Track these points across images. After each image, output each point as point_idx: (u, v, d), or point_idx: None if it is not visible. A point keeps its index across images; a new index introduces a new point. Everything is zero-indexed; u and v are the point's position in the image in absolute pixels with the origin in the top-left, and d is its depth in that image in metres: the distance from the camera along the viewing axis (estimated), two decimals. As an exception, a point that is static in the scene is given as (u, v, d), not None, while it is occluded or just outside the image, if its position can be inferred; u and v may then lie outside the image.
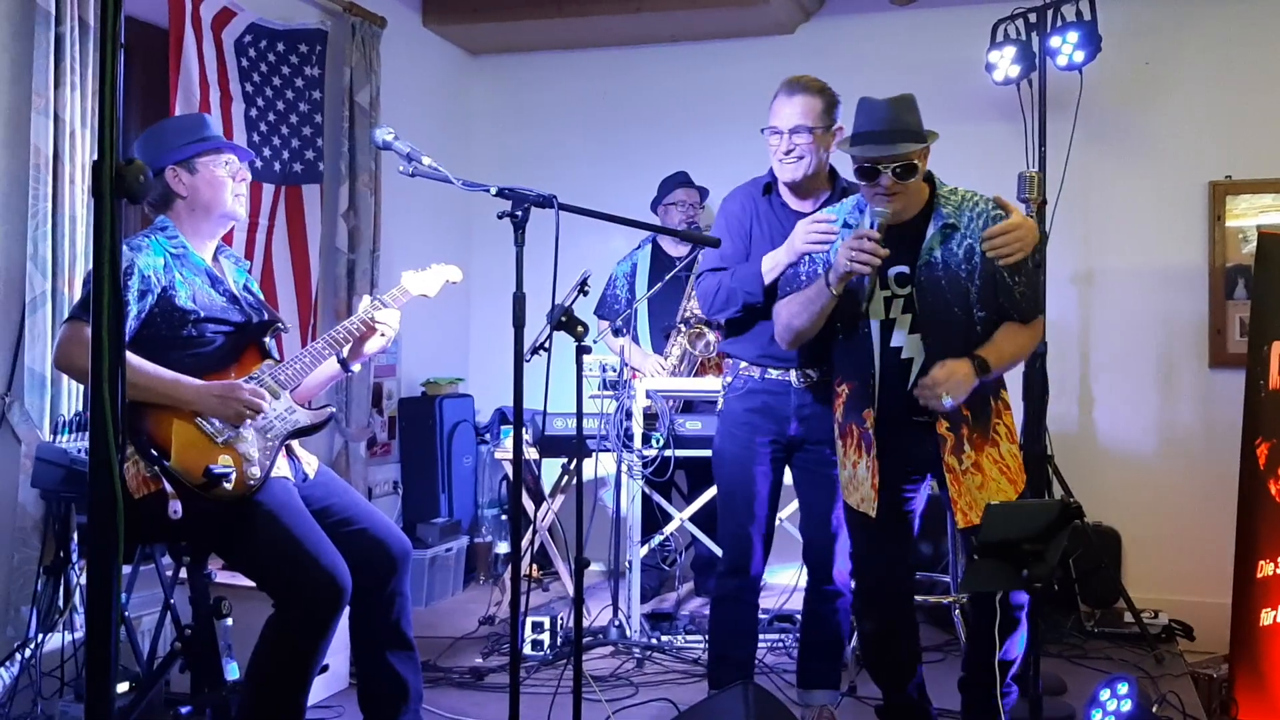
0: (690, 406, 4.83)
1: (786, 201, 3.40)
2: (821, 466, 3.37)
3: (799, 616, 3.64)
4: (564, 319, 2.87)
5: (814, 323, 3.09)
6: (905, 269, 3.02)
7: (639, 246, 5.29)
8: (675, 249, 5.19)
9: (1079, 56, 4.77)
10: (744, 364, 3.40)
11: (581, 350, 2.92)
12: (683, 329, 4.95)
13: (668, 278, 4.79)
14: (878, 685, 3.37)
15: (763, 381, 3.37)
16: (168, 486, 2.76)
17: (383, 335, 3.18)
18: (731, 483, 3.40)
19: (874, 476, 3.07)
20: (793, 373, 3.35)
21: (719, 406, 3.49)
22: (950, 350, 2.96)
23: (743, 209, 3.40)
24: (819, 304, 3.04)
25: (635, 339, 5.10)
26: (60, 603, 3.52)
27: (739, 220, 3.39)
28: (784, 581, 4.64)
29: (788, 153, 3.27)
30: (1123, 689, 3.31)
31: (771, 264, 3.25)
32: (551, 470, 5.34)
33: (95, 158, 1.60)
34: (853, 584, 3.37)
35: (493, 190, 2.74)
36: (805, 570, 3.52)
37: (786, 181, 3.34)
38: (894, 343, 3.04)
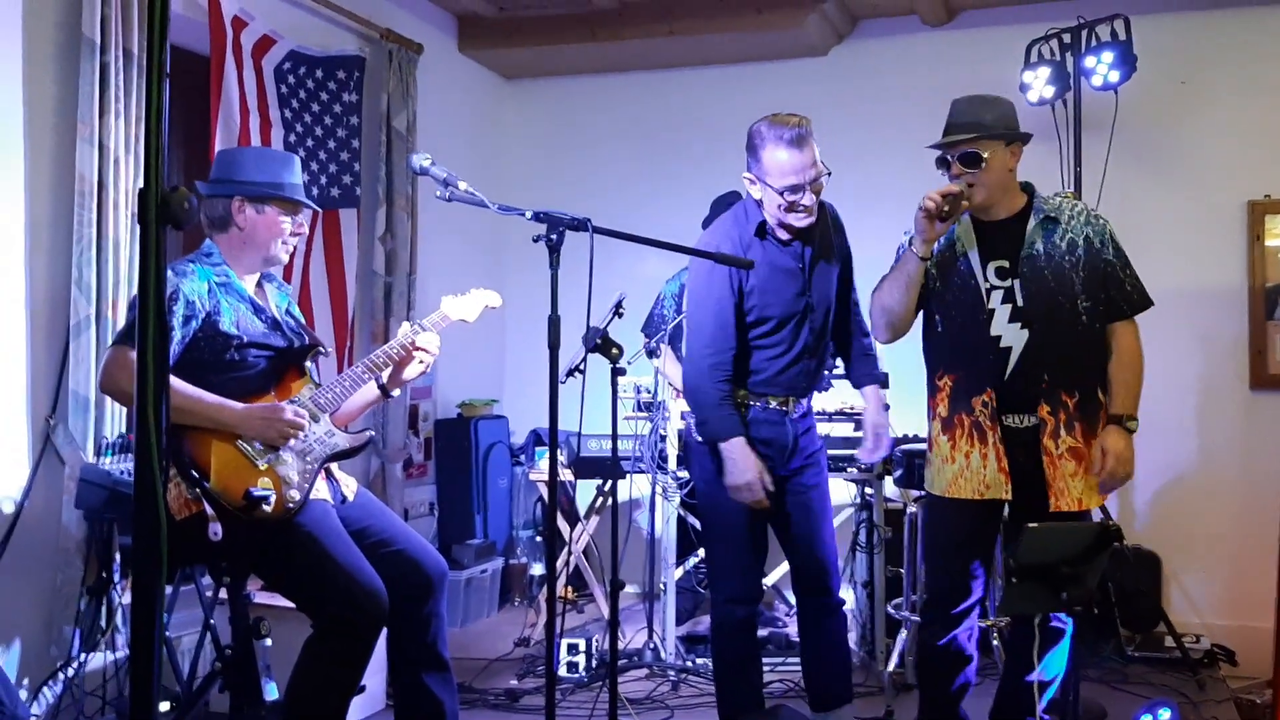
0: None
1: (781, 238, 3.32)
2: (809, 489, 3.38)
3: None
4: (599, 341, 2.89)
5: (903, 298, 3.17)
6: (1006, 262, 3.11)
7: (687, 267, 5.28)
8: None
9: (1114, 76, 4.75)
10: (742, 392, 3.31)
11: (616, 372, 2.93)
12: None
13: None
14: (930, 701, 3.32)
15: (764, 412, 3.32)
16: (208, 508, 2.79)
17: (421, 362, 3.21)
18: (736, 513, 3.31)
19: (1001, 460, 3.09)
20: (791, 402, 3.33)
21: None
22: (1055, 339, 3.06)
23: (732, 273, 3.24)
24: (905, 272, 3.15)
25: (680, 358, 5.10)
26: (103, 623, 3.56)
27: (732, 278, 3.25)
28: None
29: (808, 207, 3.18)
30: (1164, 714, 3.27)
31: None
32: (586, 492, 5.35)
33: (140, 185, 1.62)
34: (922, 595, 3.34)
35: (528, 214, 2.76)
36: (800, 596, 3.49)
37: (801, 227, 3.24)
38: (993, 332, 3.10)
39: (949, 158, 3.10)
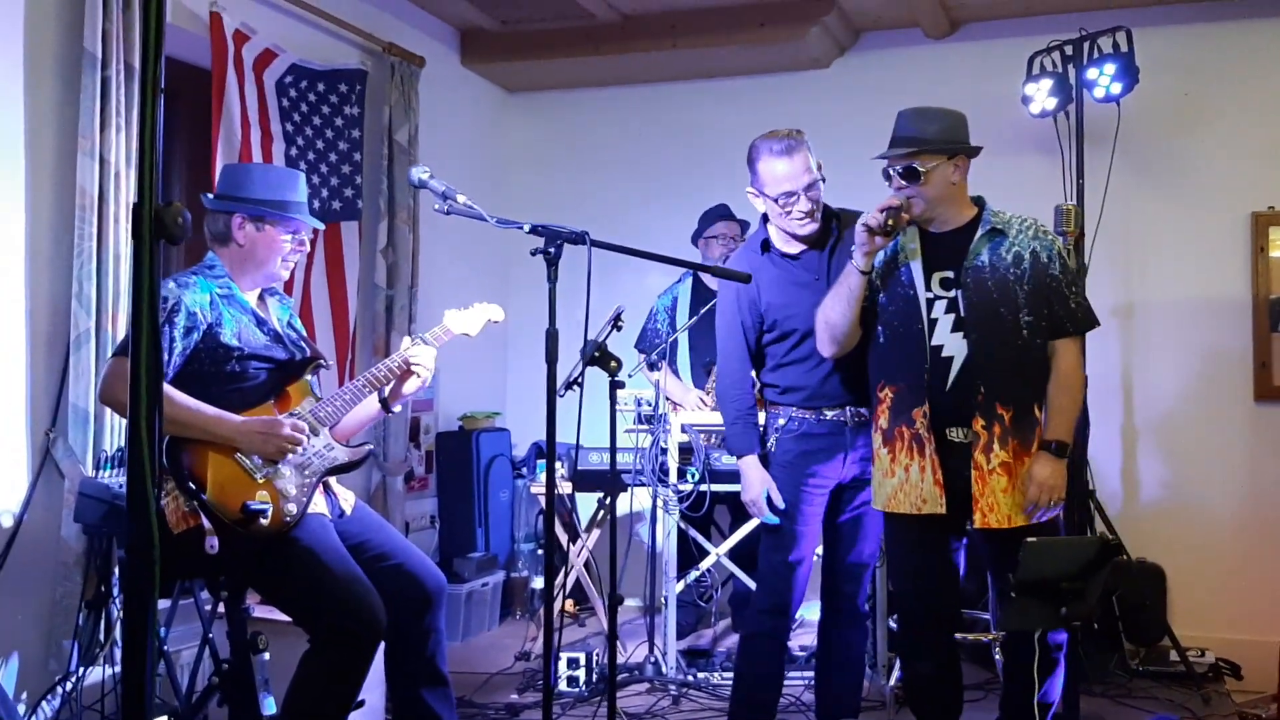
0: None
1: (785, 251, 3.43)
2: (864, 504, 3.39)
3: None
4: (597, 354, 2.89)
5: (847, 312, 3.16)
6: (950, 273, 3.12)
7: (679, 280, 5.29)
8: (716, 283, 5.16)
9: (1116, 88, 4.75)
10: (795, 407, 3.39)
11: (615, 385, 2.92)
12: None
13: (703, 311, 4.80)
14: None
15: (818, 423, 3.36)
16: (205, 522, 2.78)
17: (418, 376, 3.20)
18: (781, 523, 3.35)
19: (936, 472, 3.06)
20: (848, 411, 3.35)
21: (770, 446, 3.42)
22: (994, 350, 3.04)
23: (742, 292, 3.40)
24: (847, 285, 3.15)
25: (676, 372, 5.09)
26: (101, 637, 3.55)
27: (744, 304, 3.42)
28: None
29: (806, 212, 3.30)
30: (1167, 729, 3.25)
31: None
32: (588, 505, 5.33)
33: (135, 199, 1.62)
34: (893, 619, 3.34)
35: (526, 227, 2.76)
36: (826, 601, 3.51)
37: (803, 236, 3.37)
38: (935, 341, 3.09)
39: (890, 171, 3.12)
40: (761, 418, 3.51)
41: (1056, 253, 3.13)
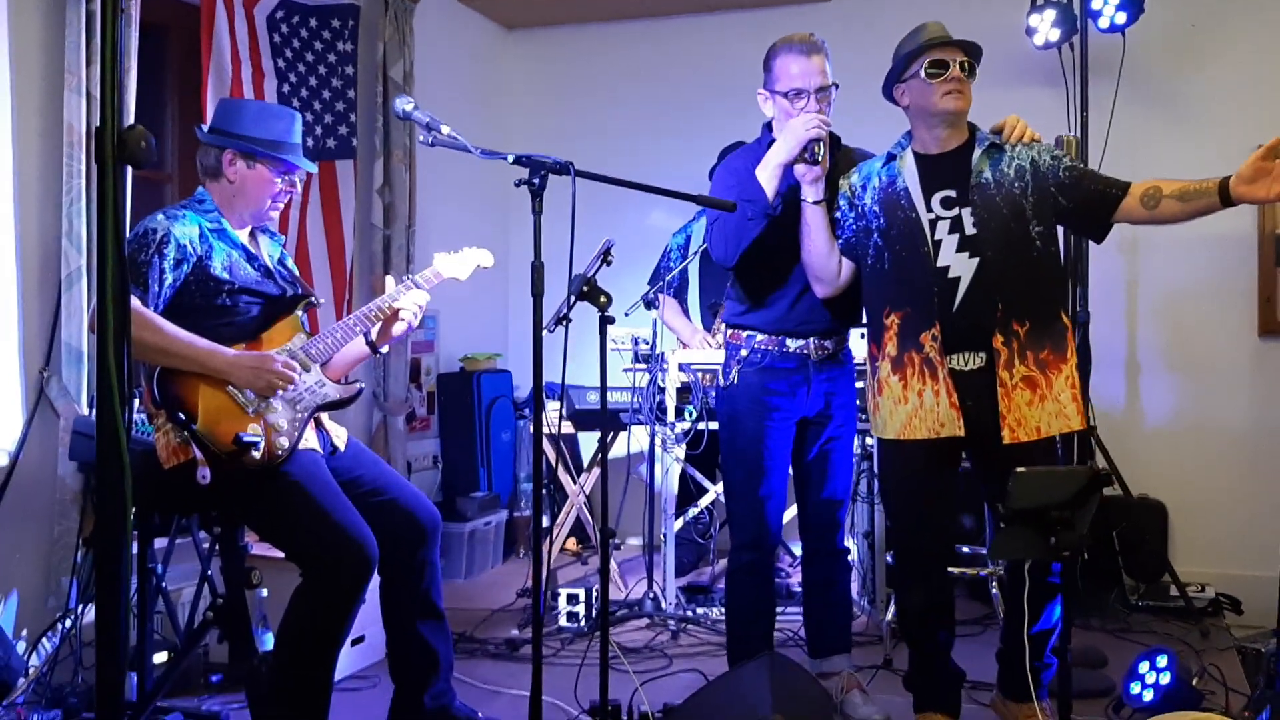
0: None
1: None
2: (836, 438, 3.37)
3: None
4: (586, 288, 2.86)
5: (812, 246, 3.17)
6: (952, 192, 3.08)
7: (694, 219, 5.24)
8: None
9: (1121, 18, 4.66)
10: (760, 336, 3.32)
11: (605, 321, 2.90)
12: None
13: (702, 246, 4.77)
14: (920, 657, 3.30)
15: (781, 355, 3.31)
16: (197, 452, 2.78)
17: (403, 320, 3.18)
18: (747, 456, 3.32)
19: (951, 394, 3.04)
20: (811, 343, 3.31)
21: (731, 379, 3.36)
22: (1011, 265, 3.02)
23: (749, 169, 3.24)
24: (806, 221, 3.17)
25: (686, 312, 5.06)
26: (100, 574, 3.57)
27: (749, 175, 3.23)
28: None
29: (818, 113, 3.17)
30: (1162, 661, 3.25)
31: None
32: (590, 444, 5.33)
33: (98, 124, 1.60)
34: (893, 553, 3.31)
35: (510, 158, 2.72)
36: (804, 540, 3.50)
37: (818, 140, 3.19)
38: (941, 262, 3.06)
39: (950, 62, 3.03)
40: (720, 355, 3.48)
41: (1052, 151, 3.11)
